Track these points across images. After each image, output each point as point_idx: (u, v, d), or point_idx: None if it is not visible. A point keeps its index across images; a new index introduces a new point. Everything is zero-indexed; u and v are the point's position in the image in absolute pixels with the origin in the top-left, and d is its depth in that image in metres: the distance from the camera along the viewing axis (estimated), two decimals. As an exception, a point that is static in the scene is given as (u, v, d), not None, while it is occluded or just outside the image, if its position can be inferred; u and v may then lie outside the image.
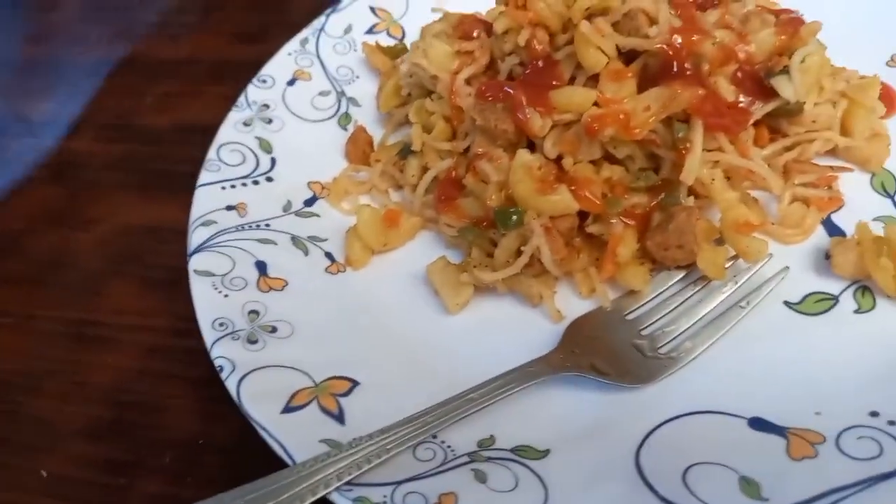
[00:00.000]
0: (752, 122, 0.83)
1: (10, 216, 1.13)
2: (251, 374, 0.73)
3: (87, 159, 1.20)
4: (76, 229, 1.09)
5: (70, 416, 0.86)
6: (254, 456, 0.70)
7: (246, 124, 1.00)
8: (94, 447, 0.83)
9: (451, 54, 0.93)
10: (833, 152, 0.88)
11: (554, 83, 0.83)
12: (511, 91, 0.83)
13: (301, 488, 0.62)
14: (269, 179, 0.95)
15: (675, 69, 0.79)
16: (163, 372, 0.89)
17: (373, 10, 1.15)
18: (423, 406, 0.68)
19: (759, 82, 0.83)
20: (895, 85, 0.91)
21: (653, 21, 0.81)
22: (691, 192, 0.82)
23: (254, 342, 0.76)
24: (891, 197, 0.84)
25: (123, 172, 1.17)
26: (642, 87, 0.80)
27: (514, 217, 0.79)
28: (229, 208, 0.90)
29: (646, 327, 0.77)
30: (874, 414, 0.66)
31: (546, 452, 0.67)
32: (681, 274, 0.81)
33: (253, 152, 0.98)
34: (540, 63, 0.85)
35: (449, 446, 0.68)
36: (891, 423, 0.64)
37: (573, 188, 0.79)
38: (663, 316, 0.78)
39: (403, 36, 1.14)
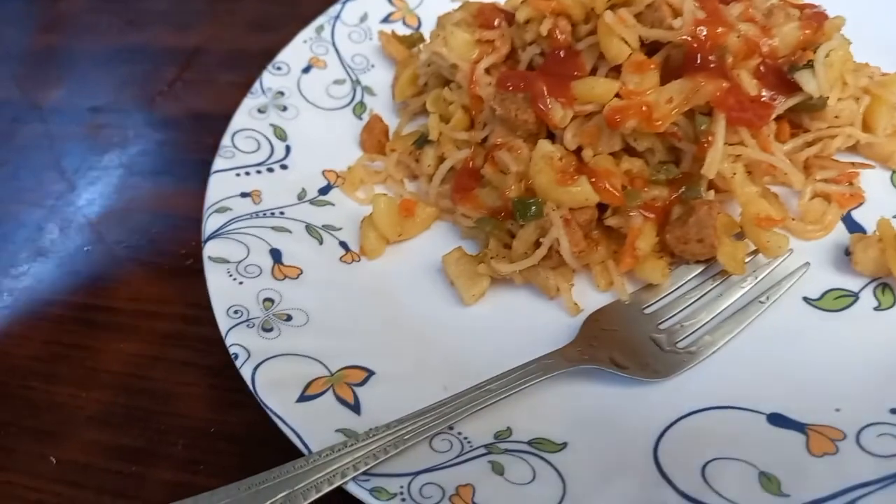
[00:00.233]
0: (774, 116, 0.82)
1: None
2: (266, 363, 0.72)
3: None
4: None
5: (84, 403, 0.86)
6: (266, 444, 0.70)
7: (261, 111, 1.00)
8: (107, 434, 0.83)
9: (472, 43, 0.92)
10: (854, 149, 0.88)
11: (575, 74, 0.83)
12: (532, 81, 0.82)
13: (317, 477, 0.61)
14: (284, 167, 0.95)
15: (698, 61, 0.78)
16: (176, 359, 0.88)
17: (389, -2, 1.14)
18: (439, 397, 0.68)
19: (781, 76, 0.82)
20: (918, 82, 0.90)
21: (677, 13, 0.80)
22: (711, 185, 0.81)
23: (269, 330, 0.76)
24: (912, 194, 0.84)
25: (137, 160, 1.16)
26: (665, 80, 0.80)
27: (534, 208, 0.79)
28: (244, 195, 0.90)
29: (664, 321, 0.76)
30: (894, 411, 0.65)
31: (563, 445, 0.67)
32: (700, 268, 0.80)
33: (268, 139, 0.97)
34: (561, 53, 0.84)
35: (466, 438, 0.68)
36: (912, 420, 0.64)
37: (593, 180, 0.79)
38: (682, 310, 0.77)
39: (419, 25, 1.13)
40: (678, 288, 0.79)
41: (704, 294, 0.78)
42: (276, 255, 0.84)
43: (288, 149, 0.97)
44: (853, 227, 0.82)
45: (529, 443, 0.67)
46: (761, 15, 0.85)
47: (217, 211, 0.87)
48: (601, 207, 0.81)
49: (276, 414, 0.68)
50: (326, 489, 0.61)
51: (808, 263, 0.78)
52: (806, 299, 0.77)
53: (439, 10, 1.05)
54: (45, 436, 0.84)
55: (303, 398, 0.70)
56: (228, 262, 0.82)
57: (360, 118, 1.04)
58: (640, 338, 0.75)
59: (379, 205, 0.87)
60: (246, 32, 1.36)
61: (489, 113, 0.88)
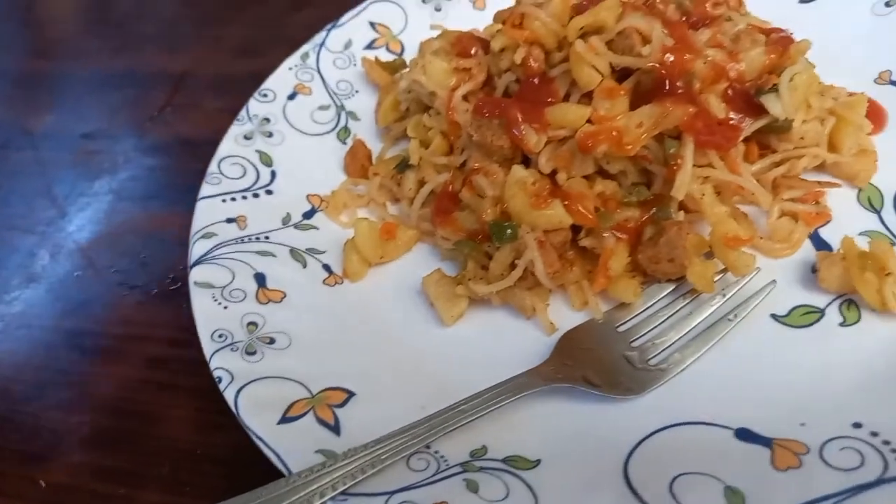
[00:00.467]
0: (741, 138, 0.84)
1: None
2: (249, 385, 0.74)
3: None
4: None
5: (71, 426, 0.88)
6: (252, 466, 0.72)
7: (247, 137, 1.02)
8: (96, 456, 0.85)
9: (449, 71, 0.95)
10: (821, 168, 0.90)
11: (549, 100, 0.85)
12: (507, 108, 0.85)
13: (296, 498, 0.63)
14: (269, 192, 0.97)
15: (667, 87, 0.81)
16: (164, 382, 0.90)
17: (372, 25, 1.17)
18: (417, 417, 0.70)
19: (749, 100, 0.84)
20: (883, 102, 0.93)
21: (646, 40, 0.83)
22: (682, 206, 0.83)
23: (252, 353, 0.78)
24: (877, 212, 0.86)
25: (127, 185, 1.18)
26: (635, 105, 0.82)
27: (509, 231, 0.81)
28: (229, 221, 0.92)
29: (636, 339, 0.78)
30: (857, 425, 0.67)
31: (537, 462, 0.69)
32: (671, 287, 0.82)
33: (253, 165, 0.99)
34: (536, 80, 0.86)
35: (442, 456, 0.69)
36: (873, 433, 0.65)
37: (566, 203, 0.81)
38: (653, 328, 0.79)
39: (402, 51, 1.16)
40: (650, 306, 0.81)
41: (675, 312, 0.80)
42: (260, 279, 0.86)
43: (273, 174, 0.99)
44: (820, 244, 0.84)
45: (504, 460, 0.69)
46: (729, 40, 0.87)
47: (203, 237, 0.89)
48: (575, 229, 0.83)
49: (257, 436, 0.70)
50: (306, 509, 0.63)
51: (775, 281, 0.80)
52: (774, 316, 0.79)
53: (422, 35, 1.08)
54: (33, 459, 0.85)
55: (284, 420, 0.72)
56: (213, 286, 0.84)
57: (345, 143, 1.06)
58: (613, 356, 0.77)
59: (360, 228, 0.90)
60: (232, 57, 1.39)
61: (466, 138, 0.90)
